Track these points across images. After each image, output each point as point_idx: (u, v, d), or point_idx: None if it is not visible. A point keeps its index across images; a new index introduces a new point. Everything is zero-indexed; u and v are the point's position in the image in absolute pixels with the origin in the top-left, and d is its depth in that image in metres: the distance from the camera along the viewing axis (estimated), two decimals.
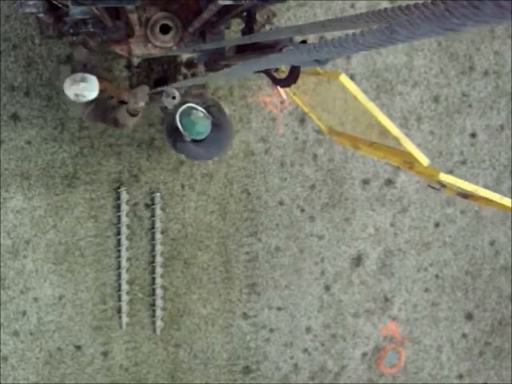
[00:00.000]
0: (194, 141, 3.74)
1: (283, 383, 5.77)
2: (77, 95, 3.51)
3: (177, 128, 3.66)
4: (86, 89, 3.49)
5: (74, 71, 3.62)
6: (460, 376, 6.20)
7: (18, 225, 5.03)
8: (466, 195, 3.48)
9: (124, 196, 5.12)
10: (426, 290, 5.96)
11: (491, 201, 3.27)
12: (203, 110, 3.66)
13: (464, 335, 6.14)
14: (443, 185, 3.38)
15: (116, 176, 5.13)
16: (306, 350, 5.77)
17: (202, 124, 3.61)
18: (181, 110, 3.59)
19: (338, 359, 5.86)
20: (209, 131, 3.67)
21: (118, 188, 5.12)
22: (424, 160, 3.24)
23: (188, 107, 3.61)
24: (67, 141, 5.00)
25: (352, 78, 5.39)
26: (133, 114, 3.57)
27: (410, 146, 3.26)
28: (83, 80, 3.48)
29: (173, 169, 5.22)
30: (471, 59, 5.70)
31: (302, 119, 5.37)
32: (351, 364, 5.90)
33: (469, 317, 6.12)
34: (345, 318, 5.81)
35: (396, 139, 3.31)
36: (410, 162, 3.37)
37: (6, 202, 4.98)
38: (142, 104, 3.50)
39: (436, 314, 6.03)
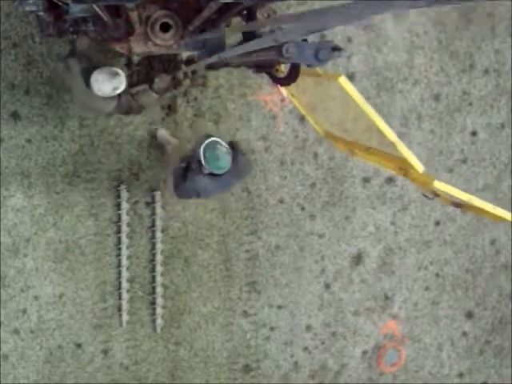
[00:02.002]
0: (210, 174, 3.88)
1: (283, 382, 5.77)
2: (114, 88, 3.63)
3: (189, 164, 3.87)
4: (121, 80, 3.64)
5: (86, 64, 3.69)
6: (460, 374, 6.21)
7: (19, 223, 5.03)
8: (459, 204, 3.47)
9: (124, 194, 5.12)
10: (427, 288, 5.96)
11: (484, 210, 3.26)
12: (226, 146, 3.82)
13: (464, 333, 6.15)
14: (437, 194, 3.37)
15: (116, 174, 5.13)
16: (306, 349, 5.77)
17: (224, 159, 3.77)
18: (207, 142, 3.75)
19: (339, 357, 5.87)
20: (229, 167, 3.81)
21: (118, 186, 5.12)
22: (419, 166, 3.23)
23: (214, 141, 3.77)
24: (67, 139, 4.99)
25: (352, 76, 5.38)
26: (157, 92, 3.87)
27: (406, 152, 3.25)
28: (117, 73, 3.62)
29: None
30: (472, 57, 5.69)
31: (303, 117, 5.36)
32: (351, 362, 5.90)
33: (469, 315, 6.12)
34: (345, 316, 5.81)
35: (392, 144, 3.31)
36: (404, 168, 3.37)
37: (7, 200, 4.98)
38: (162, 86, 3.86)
39: (436, 313, 6.03)
